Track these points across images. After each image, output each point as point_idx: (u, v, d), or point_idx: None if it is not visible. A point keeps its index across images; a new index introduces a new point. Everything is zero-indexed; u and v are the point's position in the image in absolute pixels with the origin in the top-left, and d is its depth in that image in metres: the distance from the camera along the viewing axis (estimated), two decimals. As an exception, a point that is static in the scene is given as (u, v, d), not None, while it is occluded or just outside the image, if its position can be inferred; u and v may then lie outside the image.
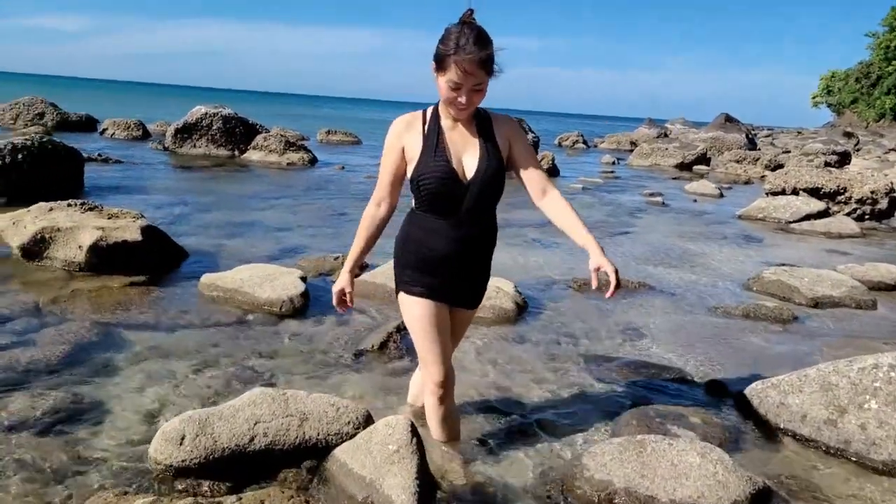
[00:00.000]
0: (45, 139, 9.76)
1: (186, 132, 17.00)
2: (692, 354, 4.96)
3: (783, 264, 7.79)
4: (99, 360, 4.16)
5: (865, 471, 3.40)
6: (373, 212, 2.98)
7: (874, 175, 12.83)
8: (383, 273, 5.94)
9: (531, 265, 7.37)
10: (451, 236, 2.86)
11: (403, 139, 2.86)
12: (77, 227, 5.98)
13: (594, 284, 2.75)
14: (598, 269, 2.74)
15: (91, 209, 6.51)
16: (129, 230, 6.06)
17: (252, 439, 2.96)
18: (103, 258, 5.86)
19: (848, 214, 12.03)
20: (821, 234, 10.74)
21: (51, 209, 6.34)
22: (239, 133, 17.27)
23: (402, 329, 4.79)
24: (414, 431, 2.86)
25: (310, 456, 3.05)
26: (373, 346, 4.61)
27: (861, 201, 12.29)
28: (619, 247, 8.75)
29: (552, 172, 16.88)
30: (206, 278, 5.63)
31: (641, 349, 5.02)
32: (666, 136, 35.31)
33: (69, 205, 6.47)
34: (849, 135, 39.00)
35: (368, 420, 3.20)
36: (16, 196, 8.44)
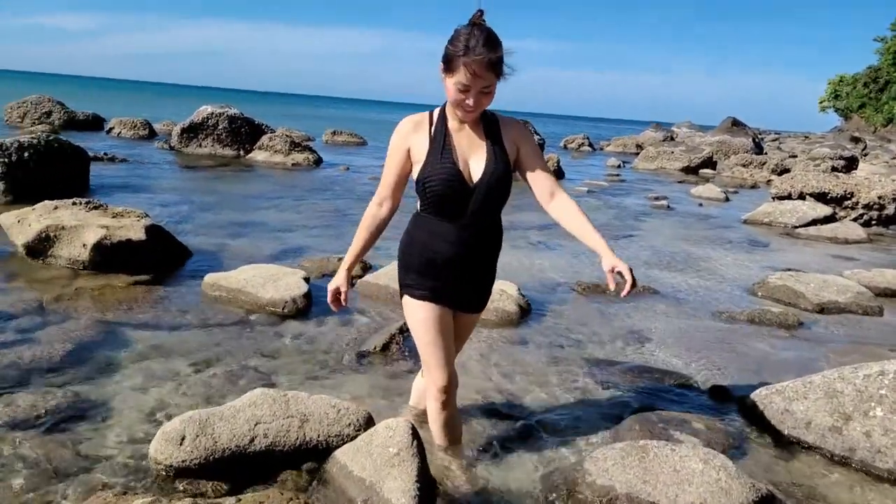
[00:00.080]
0: (51, 138, 9.78)
1: (192, 132, 17.01)
2: (696, 359, 4.93)
3: (789, 269, 7.76)
4: (101, 359, 4.15)
5: (870, 479, 3.38)
6: (374, 211, 2.95)
7: (881, 180, 12.77)
8: (386, 274, 5.93)
9: (535, 268, 7.35)
10: (456, 239, 2.83)
11: (410, 140, 2.84)
12: (81, 226, 5.99)
13: (612, 286, 2.71)
14: (612, 270, 2.71)
15: (96, 208, 6.52)
16: (133, 229, 6.06)
17: (252, 440, 2.96)
18: (107, 257, 5.87)
19: (855, 220, 11.97)
20: (827, 240, 10.70)
21: (56, 207, 6.34)
22: (244, 133, 17.28)
23: (404, 331, 4.78)
24: (415, 434, 2.85)
25: (310, 457, 3.04)
26: (375, 348, 4.60)
27: (868, 206, 12.23)
28: (624, 250, 8.71)
29: (557, 175, 16.85)
30: (210, 278, 5.62)
31: (645, 353, 5.00)
32: (672, 139, 35.25)
33: (74, 203, 6.48)
34: (856, 139, 38.89)
35: (369, 422, 3.19)
36: (22, 194, 8.46)
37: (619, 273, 2.69)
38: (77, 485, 2.85)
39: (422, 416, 3.41)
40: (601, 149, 34.66)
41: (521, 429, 3.67)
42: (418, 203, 2.92)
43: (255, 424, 3.00)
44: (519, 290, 5.77)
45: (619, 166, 23.15)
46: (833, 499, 3.19)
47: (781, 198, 12.89)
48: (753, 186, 19.69)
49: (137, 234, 6.03)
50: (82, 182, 10.18)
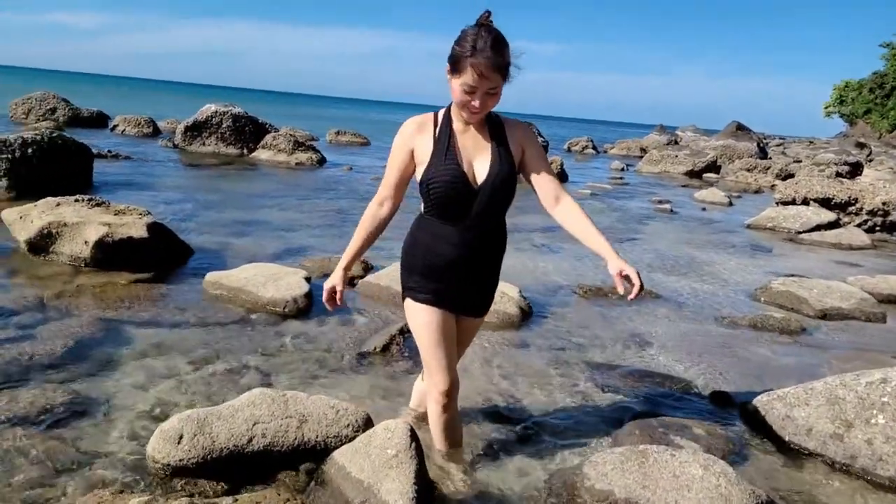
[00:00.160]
0: (55, 134, 9.78)
1: (196, 130, 17.02)
2: (697, 364, 4.91)
3: (792, 275, 7.73)
4: (101, 357, 4.15)
5: (871, 486, 3.36)
6: (374, 211, 2.93)
7: (886, 186, 12.72)
8: (388, 275, 5.92)
9: (537, 270, 7.34)
10: (459, 242, 2.81)
11: (414, 141, 2.81)
12: (83, 223, 5.99)
13: (620, 290, 2.68)
14: (620, 273, 2.68)
15: (98, 205, 6.52)
16: (135, 227, 6.06)
17: (250, 440, 2.95)
18: (109, 254, 5.87)
19: (859, 226, 11.93)
20: (831, 246, 10.66)
21: (58, 204, 6.34)
22: (248, 132, 17.29)
23: (405, 332, 4.77)
24: (413, 436, 2.84)
25: (308, 458, 3.03)
26: (375, 349, 4.58)
27: (872, 213, 12.19)
28: (627, 254, 8.69)
29: (561, 178, 16.83)
30: (211, 276, 5.61)
31: (646, 357, 4.98)
32: (676, 143, 35.21)
33: (76, 200, 6.48)
34: (861, 145, 38.78)
35: (368, 423, 3.18)
36: (25, 190, 8.47)
37: (627, 277, 2.67)
38: (74, 482, 2.84)
39: (422, 419, 3.40)
40: (605, 151, 34.63)
41: (520, 432, 3.66)
42: (422, 205, 2.89)
43: (254, 424, 2.99)
44: (520, 292, 5.76)
45: (622, 169, 23.13)
46: (833, 506, 3.17)
47: (785, 203, 12.86)
48: (757, 191, 19.66)
49: (139, 231, 6.03)
50: (85, 179, 10.18)
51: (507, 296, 5.52)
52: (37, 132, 9.63)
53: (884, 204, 12.13)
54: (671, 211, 13.41)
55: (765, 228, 11.79)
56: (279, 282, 5.47)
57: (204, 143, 16.95)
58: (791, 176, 19.82)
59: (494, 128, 2.83)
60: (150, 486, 2.83)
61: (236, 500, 2.60)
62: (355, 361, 4.43)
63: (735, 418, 4.04)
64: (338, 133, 27.25)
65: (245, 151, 16.96)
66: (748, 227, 12.00)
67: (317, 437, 3.05)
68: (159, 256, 6.17)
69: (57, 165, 9.30)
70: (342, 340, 4.77)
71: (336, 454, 2.92)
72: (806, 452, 3.61)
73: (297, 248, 7.54)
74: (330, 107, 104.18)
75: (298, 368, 4.26)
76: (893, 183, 14.47)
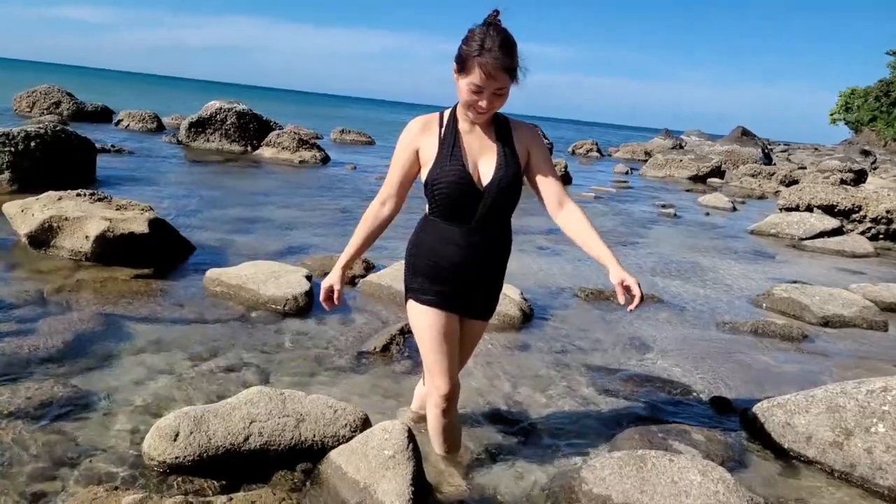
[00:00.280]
0: (58, 128, 9.79)
1: (200, 126, 17.01)
2: (698, 369, 4.89)
3: (794, 281, 7.71)
4: (100, 352, 4.14)
5: (870, 496, 3.34)
6: (376, 210, 2.87)
7: (890, 194, 12.69)
8: (389, 274, 5.91)
9: (539, 272, 7.32)
10: (463, 244, 2.76)
11: (419, 140, 2.77)
12: (85, 217, 5.98)
13: (621, 299, 2.65)
14: (621, 283, 2.66)
15: (100, 200, 6.51)
16: (136, 222, 6.05)
17: (247, 438, 2.93)
18: (110, 249, 5.86)
19: (862, 233, 11.91)
20: (834, 252, 10.63)
21: (60, 198, 6.34)
22: (252, 129, 17.29)
23: (405, 332, 4.76)
24: (411, 437, 2.83)
25: (305, 458, 3.02)
26: (375, 349, 4.57)
27: (876, 220, 12.16)
28: (629, 258, 8.67)
29: (565, 180, 16.80)
30: (211, 273, 5.60)
31: (647, 362, 4.96)
32: (681, 147, 35.17)
33: (78, 194, 6.47)
34: (866, 153, 38.75)
35: (366, 423, 3.17)
36: (27, 183, 8.48)
37: (628, 287, 2.65)
38: (70, 477, 2.83)
39: (421, 421, 3.38)
40: (609, 155, 34.58)
41: (519, 434, 3.65)
42: (426, 206, 2.86)
43: (251, 423, 2.98)
44: (522, 294, 5.74)
45: (627, 173, 23.11)
46: (832, 515, 3.16)
47: (789, 209, 12.84)
48: (761, 197, 19.62)
49: (140, 227, 6.02)
50: (88, 173, 10.18)
51: (508, 297, 5.51)
52: (40, 125, 9.63)
53: (888, 212, 12.10)
54: (675, 215, 13.39)
55: (768, 234, 11.76)
56: (280, 279, 5.46)
57: (208, 140, 16.94)
58: (795, 182, 19.78)
59: (501, 128, 2.79)
60: (146, 483, 2.82)
61: (231, 498, 2.59)
62: (354, 361, 4.42)
63: (735, 424, 4.03)
64: (342, 132, 27.24)
65: (249, 148, 16.96)
66: (751, 232, 11.97)
67: (314, 436, 3.04)
68: (160, 252, 6.16)
69: (60, 159, 9.30)
70: (342, 339, 4.76)
71: (333, 454, 2.91)
72: (805, 460, 3.59)
73: (298, 246, 7.53)
74: (336, 105, 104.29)
75: (297, 367, 4.25)
76: (898, 191, 14.42)
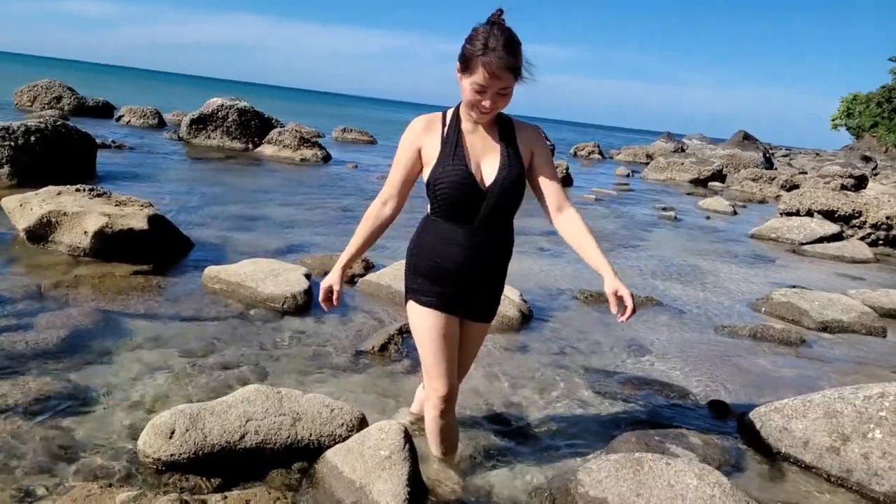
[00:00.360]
0: (58, 123, 9.78)
1: (201, 123, 17.00)
2: (696, 373, 4.89)
3: (793, 286, 7.71)
4: (96, 348, 4.13)
5: (866, 502, 3.34)
6: (377, 210, 2.85)
7: (890, 200, 12.68)
8: (388, 274, 5.90)
9: (538, 274, 7.31)
10: (466, 244, 2.73)
11: (422, 140, 2.75)
12: (84, 213, 5.97)
13: (613, 309, 2.64)
14: (615, 293, 2.65)
15: (99, 195, 6.50)
16: (135, 218, 6.04)
17: (243, 437, 2.93)
18: (108, 245, 5.85)
19: (862, 239, 11.90)
20: (833, 258, 10.63)
21: (59, 193, 6.33)
22: (254, 126, 17.28)
23: (403, 332, 4.75)
24: (407, 438, 2.82)
25: (301, 457, 3.01)
26: (373, 348, 4.56)
27: (876, 226, 12.16)
28: (629, 260, 8.68)
29: (566, 182, 16.80)
30: (210, 270, 5.59)
31: (645, 365, 4.96)
32: (683, 150, 35.16)
33: (77, 190, 6.47)
34: (867, 159, 38.73)
35: (363, 423, 3.16)
36: (27, 178, 8.47)
37: (621, 297, 2.64)
38: (64, 474, 2.83)
39: (420, 423, 3.36)
40: (611, 157, 34.59)
41: (515, 435, 3.64)
42: (428, 206, 2.83)
43: (247, 421, 2.97)
44: (521, 295, 5.74)
45: (628, 175, 23.11)
46: (828, 521, 3.15)
47: (789, 214, 12.83)
48: (762, 201, 19.61)
49: (139, 223, 6.01)
50: (88, 168, 10.16)
51: (507, 299, 5.50)
52: (41, 120, 9.63)
53: (887, 218, 12.10)
54: (675, 218, 13.38)
55: (768, 239, 11.75)
56: (279, 277, 5.45)
57: (209, 137, 16.93)
58: (796, 187, 19.78)
59: (504, 129, 2.77)
60: (140, 480, 2.82)
61: (226, 497, 2.58)
62: (352, 360, 4.41)
63: (732, 428, 4.02)
64: (344, 130, 27.22)
65: (250, 146, 16.96)
66: (751, 236, 11.97)
67: (310, 435, 3.03)
68: (159, 249, 6.15)
69: (60, 154, 9.29)
70: (340, 339, 4.75)
71: (329, 453, 2.90)
72: (802, 465, 3.59)
73: (298, 244, 7.52)
74: (338, 104, 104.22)
75: (295, 365, 4.24)
76: (898, 197, 14.41)
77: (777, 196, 19.35)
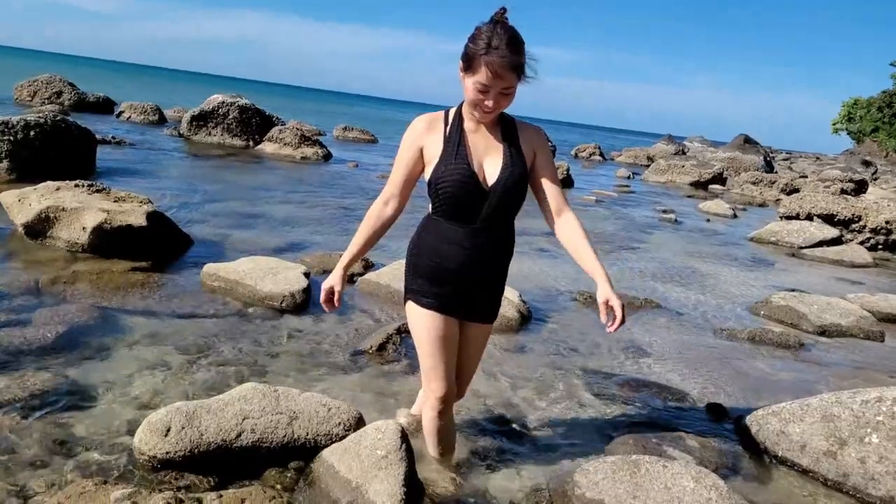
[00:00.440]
0: (58, 118, 9.75)
1: (202, 120, 17.00)
2: (694, 375, 4.88)
3: (792, 290, 7.71)
4: (93, 344, 4.12)
5: (863, 507, 3.33)
6: (379, 210, 2.82)
7: (890, 205, 12.70)
8: (388, 273, 5.89)
9: (537, 275, 7.31)
10: (468, 245, 2.71)
11: (424, 139, 2.72)
12: (82, 209, 5.96)
13: (603, 318, 2.63)
14: (606, 303, 2.64)
15: (98, 191, 6.49)
16: (134, 214, 6.03)
17: (239, 435, 2.92)
18: (107, 241, 5.84)
19: (861, 243, 11.91)
20: (832, 262, 10.63)
21: (58, 188, 6.32)
22: (255, 124, 17.28)
23: (402, 331, 4.74)
24: (404, 437, 2.81)
25: (297, 456, 3.00)
26: (371, 348, 4.56)
27: (875, 231, 12.17)
28: (628, 262, 8.67)
29: (566, 183, 16.80)
30: (209, 268, 5.58)
31: (643, 367, 4.95)
32: (684, 153, 35.17)
33: (76, 185, 6.46)
34: (867, 163, 38.75)
35: (360, 423, 3.15)
36: (26, 173, 8.46)
37: (612, 307, 2.63)
38: (58, 471, 2.81)
39: (418, 423, 3.35)
40: (612, 159, 34.59)
41: (513, 436, 3.64)
42: (429, 206, 2.80)
43: (243, 419, 2.96)
44: (520, 296, 5.73)
45: (628, 177, 23.10)
46: (825, 525, 3.14)
47: (789, 217, 12.84)
48: (762, 205, 19.62)
49: (138, 219, 6.00)
50: (88, 164, 10.13)
51: (507, 299, 5.47)
52: (40, 115, 9.61)
53: (887, 223, 12.11)
54: (675, 221, 13.38)
55: (767, 242, 11.76)
56: (277, 276, 5.44)
57: (209, 134, 16.93)
58: (796, 191, 19.78)
59: (506, 128, 2.74)
60: (135, 478, 2.80)
61: (220, 495, 2.57)
62: (350, 360, 4.40)
63: (729, 431, 4.02)
64: (345, 129, 27.20)
65: (251, 143, 16.95)
66: (751, 240, 11.97)
67: (307, 434, 3.02)
68: (158, 245, 6.14)
69: (59, 149, 9.28)
70: (338, 338, 4.74)
71: (325, 453, 2.89)
72: (799, 469, 3.58)
73: (297, 242, 7.52)
74: (340, 103, 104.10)
75: (292, 364, 4.23)
76: (898, 201, 14.42)
77: (777, 200, 19.35)
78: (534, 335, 5.32)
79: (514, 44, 2.46)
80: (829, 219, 12.38)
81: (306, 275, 5.61)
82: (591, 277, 2.72)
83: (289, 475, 2.93)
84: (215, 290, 5.39)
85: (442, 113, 2.77)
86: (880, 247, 12.11)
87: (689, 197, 19.28)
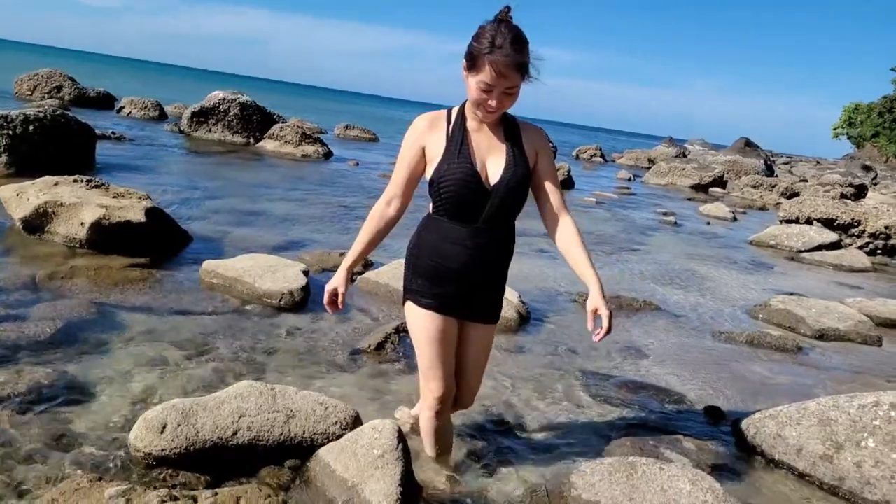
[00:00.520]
0: (58, 112, 9.75)
1: (203, 116, 16.98)
2: (692, 378, 4.88)
3: (791, 293, 7.70)
4: (90, 340, 4.12)
5: (860, 512, 3.33)
6: (381, 210, 2.79)
7: (889, 210, 12.70)
8: (387, 272, 5.89)
9: (537, 276, 7.30)
10: (470, 244, 2.68)
11: (426, 138, 2.70)
12: (81, 204, 5.95)
13: (590, 326, 2.63)
14: (594, 311, 2.64)
15: (97, 186, 6.48)
16: (133, 210, 6.02)
17: (235, 433, 2.91)
18: (105, 237, 5.83)
19: (860, 248, 11.91)
20: (831, 266, 10.63)
21: (56, 183, 6.31)
22: (255, 121, 17.27)
23: (400, 331, 4.73)
24: (401, 437, 2.80)
25: (293, 454, 3.00)
26: (369, 347, 4.55)
27: (874, 235, 12.17)
28: (628, 264, 8.67)
29: (567, 184, 16.80)
30: (207, 265, 5.57)
31: (641, 369, 4.94)
32: (685, 155, 35.16)
33: (75, 180, 6.45)
34: (867, 168, 38.74)
35: (356, 422, 3.14)
36: (25, 167, 8.46)
37: (601, 317, 2.62)
38: (52, 467, 2.81)
39: (416, 424, 3.34)
40: (613, 161, 34.59)
41: (510, 437, 3.63)
42: (430, 205, 2.78)
43: (240, 417, 2.96)
44: (520, 297, 5.72)
45: (629, 179, 23.10)
46: (821, 530, 3.14)
47: (789, 221, 12.84)
48: (762, 208, 19.62)
49: (137, 215, 5.98)
50: (87, 159, 10.13)
51: (506, 300, 5.41)
52: (40, 109, 9.60)
53: (886, 227, 12.11)
54: (675, 223, 13.38)
55: (767, 245, 11.76)
56: (276, 274, 5.44)
57: (210, 130, 16.91)
58: (796, 194, 19.77)
59: (509, 128, 2.72)
60: (130, 475, 2.80)
61: (215, 493, 2.56)
62: (348, 358, 4.39)
63: (726, 434, 4.01)
64: (346, 127, 27.17)
65: (251, 140, 16.94)
66: (751, 243, 11.97)
67: (303, 433, 3.02)
68: (156, 242, 6.12)
69: (58, 144, 9.28)
70: (336, 336, 4.74)
71: (322, 451, 2.89)
72: (795, 472, 3.58)
73: (297, 240, 7.51)
74: (341, 101, 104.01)
75: (290, 362, 4.22)
76: (898, 206, 14.41)
77: (777, 203, 19.36)
78: (533, 336, 5.32)
79: (519, 43, 2.44)
80: (828, 223, 12.38)
81: (305, 273, 5.60)
82: (584, 283, 2.72)
83: (285, 474, 2.92)
84: (214, 287, 5.38)
85: (444, 112, 2.75)
86: (879, 251, 12.12)
87: (689, 200, 19.28)
